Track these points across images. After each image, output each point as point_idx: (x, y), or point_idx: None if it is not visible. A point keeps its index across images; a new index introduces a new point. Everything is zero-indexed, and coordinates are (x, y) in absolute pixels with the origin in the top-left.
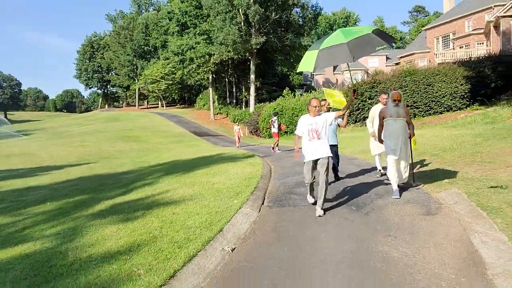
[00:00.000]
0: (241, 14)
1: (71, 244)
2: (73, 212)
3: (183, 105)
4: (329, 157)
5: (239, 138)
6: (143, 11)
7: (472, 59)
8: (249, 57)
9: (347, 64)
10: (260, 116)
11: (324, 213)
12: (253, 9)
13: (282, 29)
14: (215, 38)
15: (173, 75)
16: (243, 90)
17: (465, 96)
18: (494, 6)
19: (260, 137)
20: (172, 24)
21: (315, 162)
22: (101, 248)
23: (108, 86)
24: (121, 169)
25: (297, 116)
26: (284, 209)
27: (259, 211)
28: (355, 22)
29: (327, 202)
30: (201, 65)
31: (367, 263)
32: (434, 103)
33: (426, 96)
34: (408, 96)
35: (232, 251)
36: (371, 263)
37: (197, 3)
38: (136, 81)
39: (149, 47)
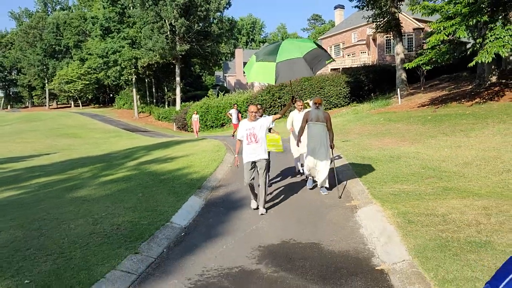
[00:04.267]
0: (168, 24)
1: (149, 169)
2: (116, 167)
3: (98, 105)
4: (266, 159)
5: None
6: (50, 9)
7: (352, 68)
8: (173, 62)
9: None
10: (188, 113)
11: (266, 211)
12: (180, 22)
13: (202, 37)
14: (144, 45)
15: (89, 75)
16: (166, 90)
17: (346, 96)
18: None
19: (188, 131)
20: (96, 28)
21: (254, 164)
22: (170, 168)
23: (11, 86)
24: (97, 153)
25: (221, 113)
26: None
27: (234, 156)
28: (261, 28)
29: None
30: (126, 67)
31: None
32: (325, 101)
33: (319, 97)
34: (307, 97)
35: (230, 166)
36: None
37: (120, 10)
38: (47, 81)
39: (60, 46)
